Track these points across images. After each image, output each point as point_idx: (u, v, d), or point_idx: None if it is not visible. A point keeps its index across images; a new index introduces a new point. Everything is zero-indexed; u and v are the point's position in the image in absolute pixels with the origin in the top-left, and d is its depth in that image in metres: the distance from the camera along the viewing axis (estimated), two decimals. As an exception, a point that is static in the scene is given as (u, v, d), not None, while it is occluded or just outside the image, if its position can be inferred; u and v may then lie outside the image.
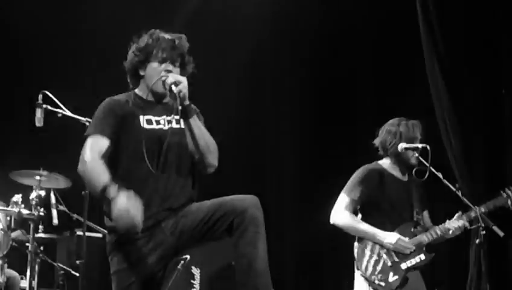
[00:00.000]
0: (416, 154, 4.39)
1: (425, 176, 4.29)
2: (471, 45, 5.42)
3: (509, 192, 4.39)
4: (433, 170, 4.30)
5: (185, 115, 3.18)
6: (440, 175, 4.35)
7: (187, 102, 3.17)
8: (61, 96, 4.92)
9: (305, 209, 6.54)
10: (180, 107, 3.14)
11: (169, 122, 3.28)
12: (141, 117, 3.26)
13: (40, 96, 4.90)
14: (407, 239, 4.32)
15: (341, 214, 4.41)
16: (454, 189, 4.37)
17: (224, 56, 6.80)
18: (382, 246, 4.31)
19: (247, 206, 3.02)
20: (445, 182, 4.37)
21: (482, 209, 4.32)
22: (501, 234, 4.27)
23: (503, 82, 5.34)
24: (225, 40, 6.82)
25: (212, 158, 3.26)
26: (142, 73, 3.35)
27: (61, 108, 4.88)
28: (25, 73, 6.59)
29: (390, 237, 4.31)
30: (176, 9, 6.68)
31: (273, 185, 7.00)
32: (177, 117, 3.22)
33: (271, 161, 7.14)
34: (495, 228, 4.26)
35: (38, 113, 4.90)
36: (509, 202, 4.37)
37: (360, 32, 6.72)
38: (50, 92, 4.89)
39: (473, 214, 4.32)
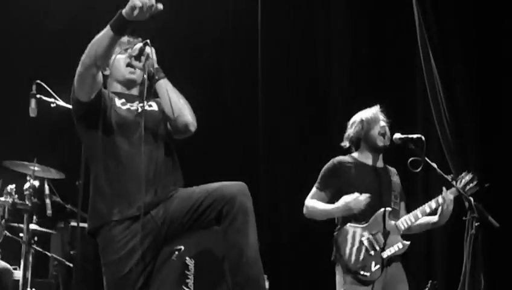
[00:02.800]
0: (382, 138, 4.38)
1: (420, 167, 4.26)
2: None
3: (467, 177, 4.38)
4: (428, 160, 4.28)
5: (158, 75, 3.22)
6: (435, 165, 4.34)
7: (157, 65, 3.21)
8: (55, 86, 4.89)
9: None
10: (152, 69, 3.19)
11: (142, 107, 3.26)
12: (116, 100, 3.26)
13: (34, 87, 4.88)
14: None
15: (306, 203, 4.41)
16: (449, 179, 4.35)
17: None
18: (362, 233, 4.23)
19: (236, 194, 3.00)
20: (440, 172, 4.36)
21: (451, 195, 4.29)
22: (496, 224, 4.27)
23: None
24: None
25: (191, 116, 3.25)
26: (106, 72, 3.32)
27: (55, 98, 4.86)
28: (18, 63, 6.56)
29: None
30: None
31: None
32: (145, 104, 3.24)
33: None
34: (490, 218, 4.26)
35: (33, 103, 4.88)
36: (467, 187, 4.36)
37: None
38: (44, 82, 4.87)
39: (436, 202, 4.28)
